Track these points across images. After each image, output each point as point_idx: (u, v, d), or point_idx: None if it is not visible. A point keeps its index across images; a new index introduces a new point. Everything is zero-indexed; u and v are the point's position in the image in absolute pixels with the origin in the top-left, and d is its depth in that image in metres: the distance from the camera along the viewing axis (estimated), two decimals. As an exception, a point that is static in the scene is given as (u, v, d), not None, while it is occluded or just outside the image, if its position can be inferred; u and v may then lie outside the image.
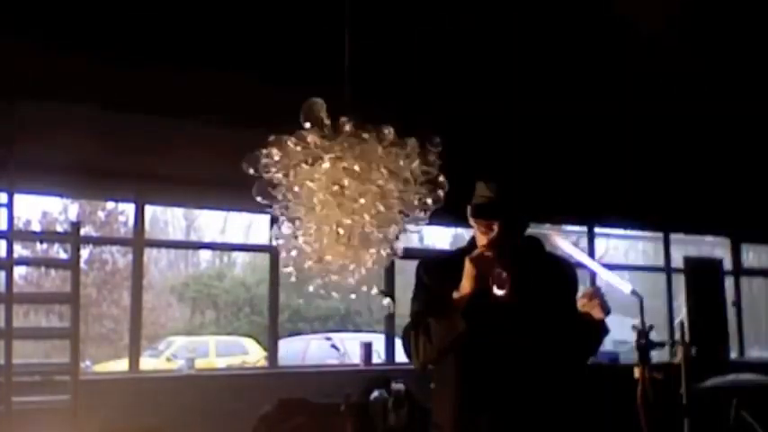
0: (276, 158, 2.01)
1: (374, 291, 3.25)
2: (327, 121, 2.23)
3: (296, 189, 2.08)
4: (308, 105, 2.26)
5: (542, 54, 6.57)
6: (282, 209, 2.28)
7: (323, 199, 1.87)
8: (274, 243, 2.08)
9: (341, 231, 1.91)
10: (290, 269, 2.22)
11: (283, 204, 2.29)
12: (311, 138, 2.06)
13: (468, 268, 2.14)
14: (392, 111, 3.61)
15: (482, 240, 2.29)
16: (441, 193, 3.05)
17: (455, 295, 2.16)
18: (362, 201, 1.99)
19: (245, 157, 2.73)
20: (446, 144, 3.73)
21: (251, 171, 1.89)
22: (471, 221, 2.34)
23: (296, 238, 2.14)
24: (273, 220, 3.30)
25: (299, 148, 2.17)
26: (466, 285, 2.15)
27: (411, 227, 2.95)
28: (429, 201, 2.97)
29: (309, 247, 2.03)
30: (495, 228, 2.26)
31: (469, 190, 2.38)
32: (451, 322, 2.15)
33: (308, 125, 2.29)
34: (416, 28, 5.98)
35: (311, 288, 3.08)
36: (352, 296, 3.04)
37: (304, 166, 2.12)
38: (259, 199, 2.92)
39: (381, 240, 1.96)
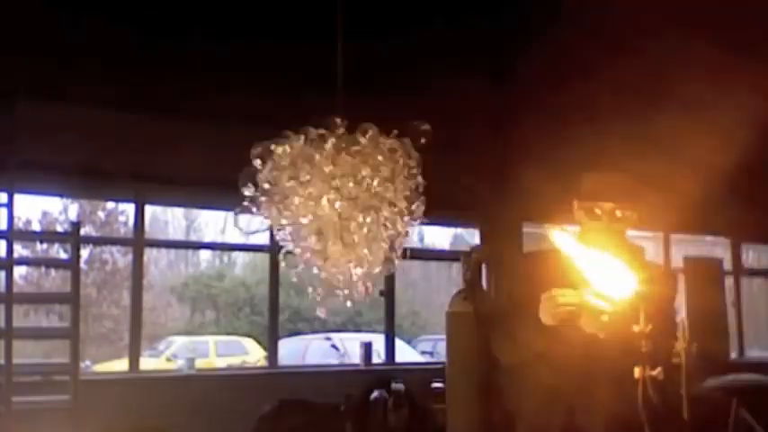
0: (269, 167, 1.99)
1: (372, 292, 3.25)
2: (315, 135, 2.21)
3: (293, 194, 2.06)
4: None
5: (544, 51, 6.57)
6: (277, 212, 2.26)
7: (316, 196, 1.86)
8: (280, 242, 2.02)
9: (351, 229, 1.89)
10: (297, 269, 2.17)
11: (278, 207, 2.27)
12: (300, 144, 2.05)
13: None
14: (385, 110, 3.62)
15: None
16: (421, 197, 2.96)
17: None
18: (356, 197, 1.97)
19: (240, 176, 2.70)
20: (445, 141, 3.74)
21: (247, 192, 1.86)
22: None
23: (295, 243, 2.11)
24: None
25: (289, 149, 2.14)
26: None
27: (399, 226, 2.92)
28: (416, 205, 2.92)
29: (309, 249, 2.01)
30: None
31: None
32: None
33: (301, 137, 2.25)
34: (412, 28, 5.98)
35: (313, 289, 3.05)
36: (348, 304, 3.03)
37: (294, 163, 2.09)
38: (258, 212, 2.89)
39: (382, 239, 1.94)
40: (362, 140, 2.03)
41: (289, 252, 3.13)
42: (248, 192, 1.87)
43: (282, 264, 2.05)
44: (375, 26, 5.56)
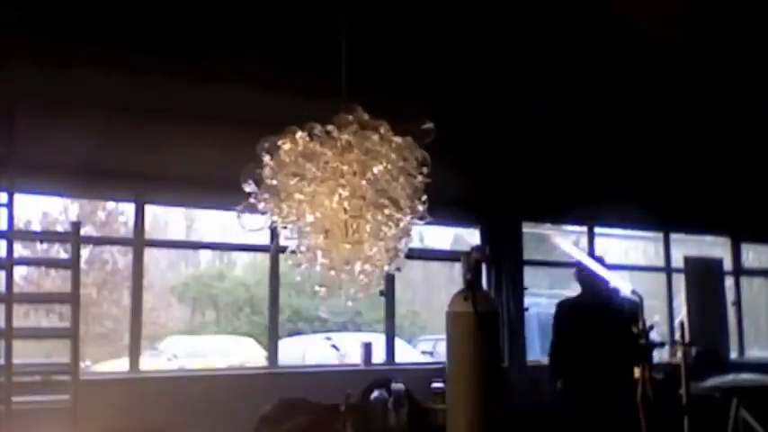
0: (272, 164, 1.97)
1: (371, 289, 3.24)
2: (319, 132, 2.18)
3: (292, 190, 2.03)
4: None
5: (544, 51, 6.57)
6: (277, 209, 2.23)
7: (320, 192, 1.83)
8: (286, 245, 1.99)
9: (351, 226, 1.87)
10: (302, 267, 2.14)
11: (278, 203, 2.24)
12: (303, 140, 2.03)
13: None
14: (390, 108, 3.62)
15: None
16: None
17: None
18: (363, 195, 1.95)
19: (242, 173, 2.65)
20: (445, 141, 3.74)
21: (248, 188, 1.84)
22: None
23: (299, 244, 2.09)
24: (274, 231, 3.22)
25: (295, 146, 2.11)
26: None
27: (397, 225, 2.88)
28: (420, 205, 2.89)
29: (313, 245, 1.99)
30: None
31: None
32: None
33: (299, 134, 2.22)
34: (415, 24, 5.99)
35: (318, 288, 3.02)
36: (349, 303, 3.02)
37: (300, 161, 2.06)
38: (262, 211, 2.86)
39: (388, 237, 1.93)
40: (374, 138, 2.01)
41: (293, 251, 3.12)
42: (249, 188, 1.85)
43: (289, 263, 2.05)
44: (378, 25, 5.57)
